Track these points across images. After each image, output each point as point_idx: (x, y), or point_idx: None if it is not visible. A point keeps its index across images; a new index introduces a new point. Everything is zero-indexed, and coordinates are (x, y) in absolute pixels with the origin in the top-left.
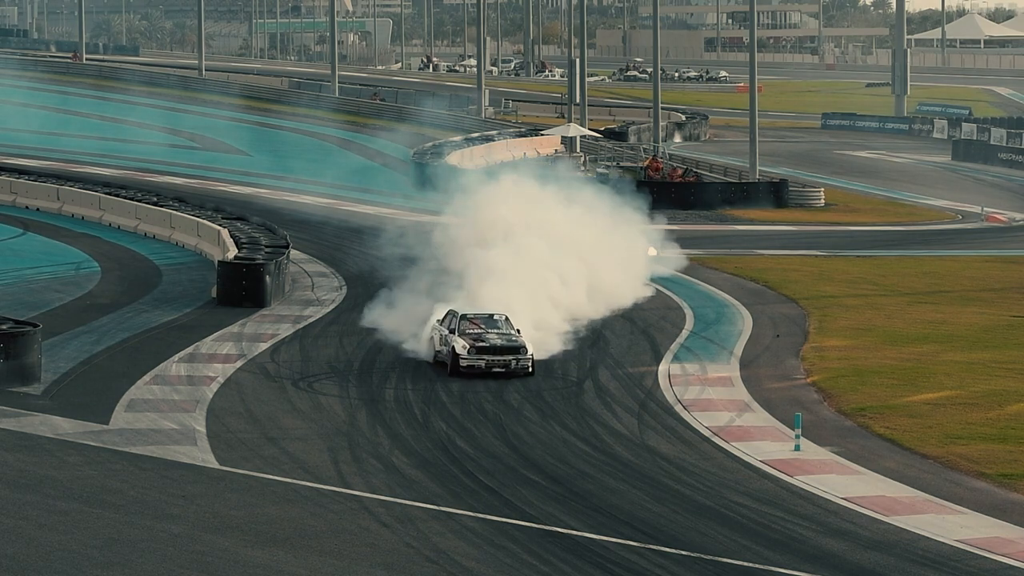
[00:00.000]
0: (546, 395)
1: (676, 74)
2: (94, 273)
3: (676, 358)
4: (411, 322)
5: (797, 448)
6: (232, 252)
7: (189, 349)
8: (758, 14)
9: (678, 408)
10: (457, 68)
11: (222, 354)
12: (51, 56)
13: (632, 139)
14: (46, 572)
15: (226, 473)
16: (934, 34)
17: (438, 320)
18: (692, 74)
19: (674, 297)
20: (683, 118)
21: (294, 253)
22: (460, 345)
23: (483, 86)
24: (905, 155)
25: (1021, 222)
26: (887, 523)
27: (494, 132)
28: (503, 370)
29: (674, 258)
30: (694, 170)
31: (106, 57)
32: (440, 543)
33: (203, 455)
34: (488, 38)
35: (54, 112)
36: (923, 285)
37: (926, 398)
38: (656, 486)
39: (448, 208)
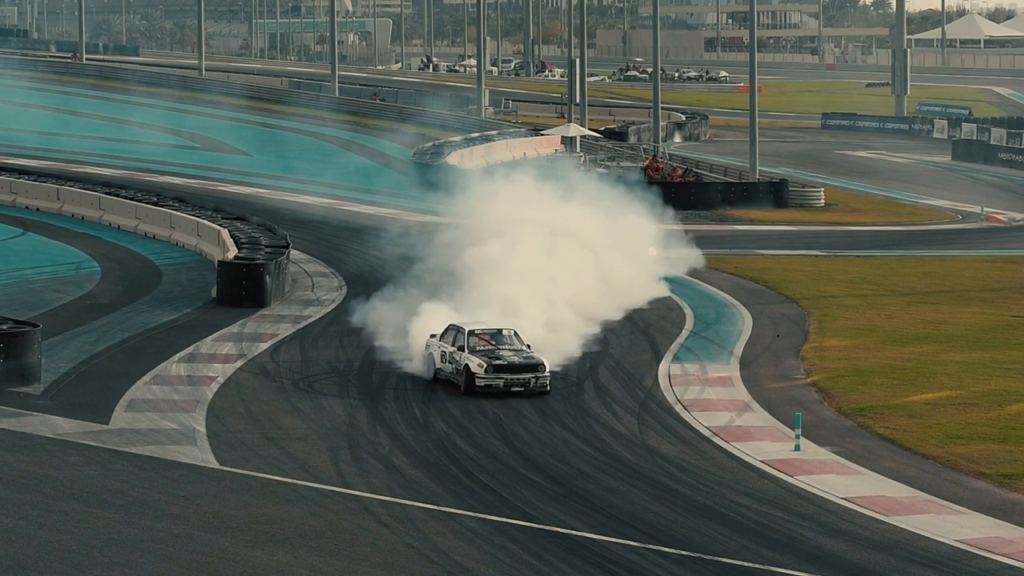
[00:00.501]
0: (546, 395)
1: (676, 74)
2: (94, 273)
3: (676, 358)
4: (398, 319)
5: (797, 448)
6: (232, 252)
7: (189, 349)
8: (758, 14)
9: (678, 408)
10: (457, 68)
11: (222, 354)
12: (51, 56)
13: (632, 139)
14: (46, 572)
15: (226, 473)
16: (934, 34)
17: (432, 335)
18: (692, 74)
19: (674, 297)
20: (683, 118)
21: (294, 253)
22: (475, 363)
23: (483, 86)
24: (905, 155)
25: (1021, 222)
26: (887, 523)
27: (494, 132)
28: (522, 389)
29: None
30: (694, 170)
31: (106, 57)
32: (440, 543)
33: (203, 455)
34: (488, 38)
35: (54, 112)
36: (923, 285)
37: (926, 398)
38: (656, 486)
39: (451, 208)
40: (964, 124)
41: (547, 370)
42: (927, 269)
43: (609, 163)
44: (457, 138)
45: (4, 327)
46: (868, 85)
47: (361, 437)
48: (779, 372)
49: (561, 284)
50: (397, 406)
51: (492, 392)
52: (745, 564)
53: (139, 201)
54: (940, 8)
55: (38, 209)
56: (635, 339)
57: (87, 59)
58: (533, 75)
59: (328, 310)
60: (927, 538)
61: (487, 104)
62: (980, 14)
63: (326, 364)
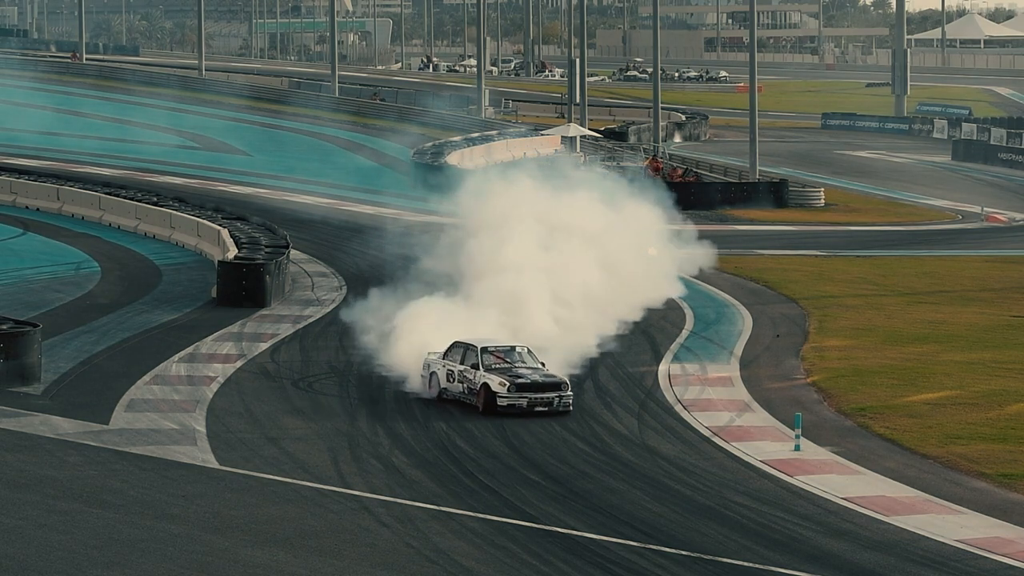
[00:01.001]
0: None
1: (676, 74)
2: (94, 273)
3: (676, 358)
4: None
5: (797, 448)
6: (232, 252)
7: (189, 349)
8: (758, 14)
9: (678, 408)
10: (457, 68)
11: (222, 354)
12: (51, 56)
13: (632, 139)
14: (46, 572)
15: (226, 473)
16: (934, 34)
17: (432, 353)
18: (692, 74)
19: (674, 297)
20: (683, 118)
21: (294, 253)
22: (496, 382)
23: (483, 86)
24: (905, 155)
25: (1021, 222)
26: (887, 523)
27: (494, 132)
28: (545, 409)
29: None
30: (694, 170)
31: (106, 57)
32: (440, 543)
33: (203, 455)
34: (488, 38)
35: (54, 112)
36: (923, 285)
37: (926, 398)
38: (656, 486)
39: (452, 208)
40: (964, 124)
41: (569, 389)
42: (927, 269)
43: (609, 163)
44: (457, 138)
45: (4, 327)
46: (868, 85)
47: (361, 437)
48: (779, 372)
49: (571, 283)
50: (397, 406)
51: (514, 412)
52: (745, 564)
53: (139, 201)
54: (940, 8)
55: (38, 209)
56: (635, 339)
57: (87, 59)
58: (533, 75)
59: (328, 310)
60: (927, 538)
61: (487, 104)
62: (980, 14)
63: (326, 364)
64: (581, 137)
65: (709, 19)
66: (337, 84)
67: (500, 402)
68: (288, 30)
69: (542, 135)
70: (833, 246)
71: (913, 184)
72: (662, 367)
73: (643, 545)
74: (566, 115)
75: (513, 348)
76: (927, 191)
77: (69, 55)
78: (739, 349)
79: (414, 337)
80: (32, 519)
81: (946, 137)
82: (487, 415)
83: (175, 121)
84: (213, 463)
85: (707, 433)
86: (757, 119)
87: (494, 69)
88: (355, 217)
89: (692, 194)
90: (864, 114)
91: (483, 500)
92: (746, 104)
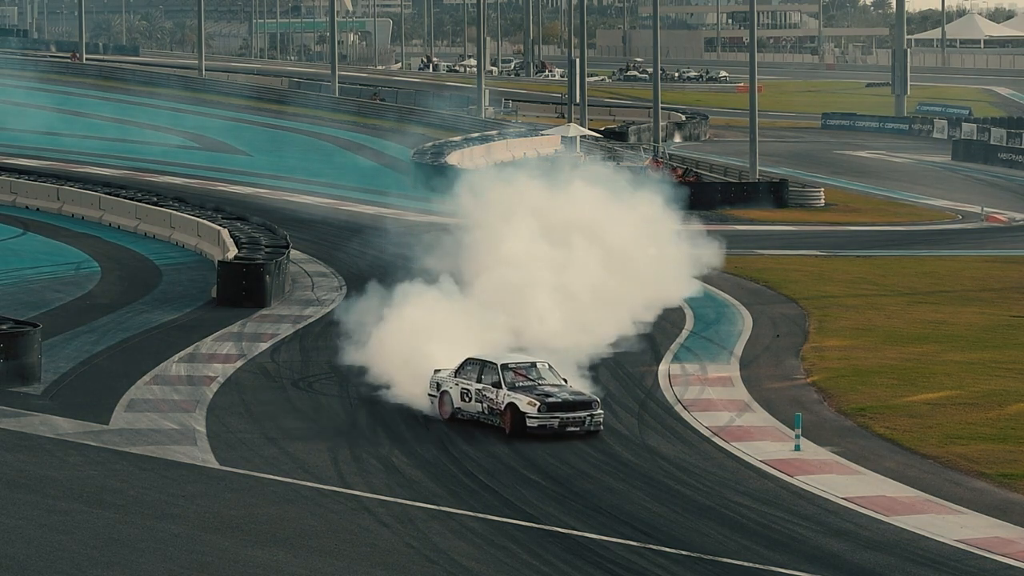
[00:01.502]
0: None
1: (676, 74)
2: (94, 273)
3: (676, 358)
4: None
5: (797, 448)
6: (232, 252)
7: (189, 349)
8: (758, 14)
9: (678, 408)
10: (457, 68)
11: (222, 354)
12: (51, 56)
13: (632, 139)
14: (46, 572)
15: (226, 473)
16: (934, 34)
17: (438, 370)
18: (692, 74)
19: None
20: (683, 118)
21: (294, 253)
22: (525, 402)
23: (483, 86)
24: (905, 155)
25: (1021, 222)
26: (887, 523)
27: (494, 132)
28: (577, 429)
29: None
30: (694, 170)
31: (106, 57)
32: (440, 543)
33: (203, 455)
34: (488, 38)
35: (54, 112)
36: (923, 285)
37: (926, 398)
38: (656, 486)
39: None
40: (964, 124)
41: (600, 407)
42: (927, 269)
43: (609, 163)
44: (457, 138)
45: (4, 327)
46: (868, 85)
47: (361, 437)
48: (779, 372)
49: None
50: (397, 406)
51: (545, 434)
52: (745, 564)
53: (139, 201)
54: (940, 8)
55: (38, 209)
56: (635, 339)
57: (87, 59)
58: (533, 75)
59: (328, 310)
60: (927, 538)
61: (487, 104)
62: (980, 14)
63: (326, 364)
64: (581, 137)
65: (709, 19)
66: (337, 84)
67: (530, 423)
68: (288, 30)
69: (542, 135)
70: (833, 246)
71: (913, 184)
72: (662, 367)
73: (643, 545)
74: (566, 115)
75: (534, 364)
76: (927, 191)
77: (69, 55)
78: (739, 349)
79: (404, 344)
80: (32, 519)
81: (946, 137)
82: (514, 437)
83: (175, 121)
84: (213, 463)
85: (707, 433)
86: (757, 119)
87: (494, 69)
88: (355, 217)
89: (692, 194)
90: (864, 114)
91: (483, 500)
92: (746, 104)
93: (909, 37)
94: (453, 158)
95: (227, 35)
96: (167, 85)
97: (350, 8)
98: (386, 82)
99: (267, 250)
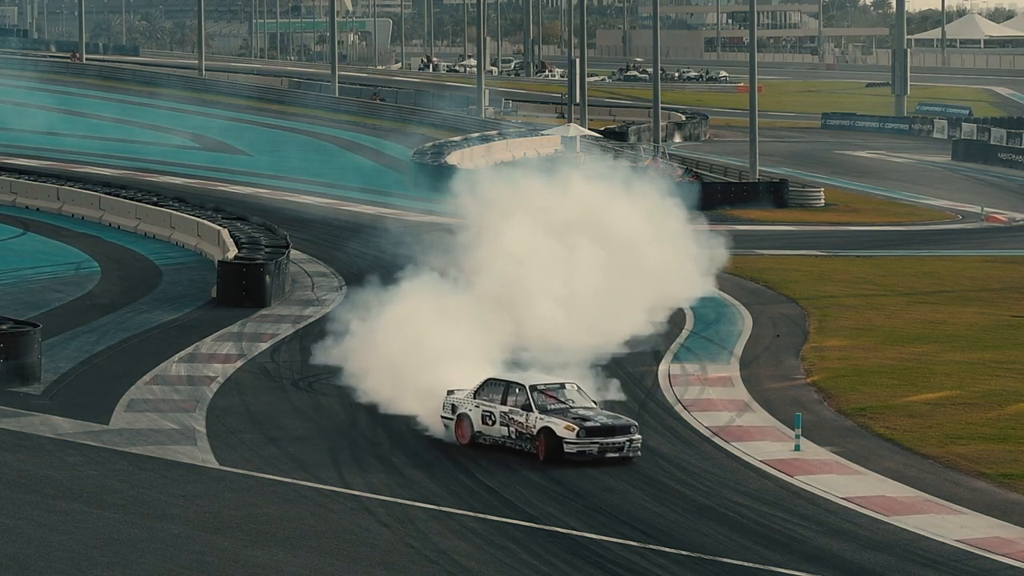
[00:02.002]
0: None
1: (676, 74)
2: (94, 273)
3: (676, 358)
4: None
5: (797, 448)
6: (232, 252)
7: (189, 349)
8: (758, 14)
9: (678, 408)
10: (457, 68)
11: (222, 354)
12: (51, 56)
13: (632, 139)
14: (46, 572)
15: (226, 473)
16: (934, 34)
17: (452, 391)
18: (692, 74)
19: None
20: (683, 118)
21: (294, 253)
22: (562, 426)
23: (483, 86)
24: (905, 155)
25: (1021, 222)
26: (887, 523)
27: (494, 132)
28: (617, 455)
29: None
30: (694, 170)
31: (106, 57)
32: (440, 543)
33: (203, 455)
34: (488, 38)
35: (54, 112)
36: (923, 285)
37: (926, 398)
38: (656, 486)
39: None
40: (964, 124)
41: (638, 431)
42: (927, 269)
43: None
44: (457, 138)
45: (4, 327)
46: (868, 85)
47: (361, 437)
48: (779, 372)
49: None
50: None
51: (583, 460)
52: (745, 564)
53: (139, 201)
54: (940, 8)
55: (38, 209)
56: (635, 339)
57: (87, 59)
58: (533, 75)
59: (328, 310)
60: (927, 538)
61: (487, 104)
62: (980, 14)
63: (326, 364)
64: (581, 137)
65: (709, 19)
66: (337, 84)
67: (568, 448)
68: (288, 30)
69: (542, 135)
70: (833, 246)
71: (913, 184)
72: (662, 367)
73: (643, 545)
74: (566, 115)
75: (563, 385)
76: (927, 191)
77: (69, 55)
78: (739, 349)
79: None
80: (32, 519)
81: (946, 137)
82: (550, 463)
83: (175, 121)
84: (213, 463)
85: (707, 433)
86: (757, 119)
87: (494, 69)
88: (355, 217)
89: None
90: (864, 114)
91: (483, 500)
92: (746, 104)
93: (909, 37)
94: (453, 158)
95: (227, 35)
96: (167, 85)
97: (350, 8)
98: (386, 82)
99: (267, 250)
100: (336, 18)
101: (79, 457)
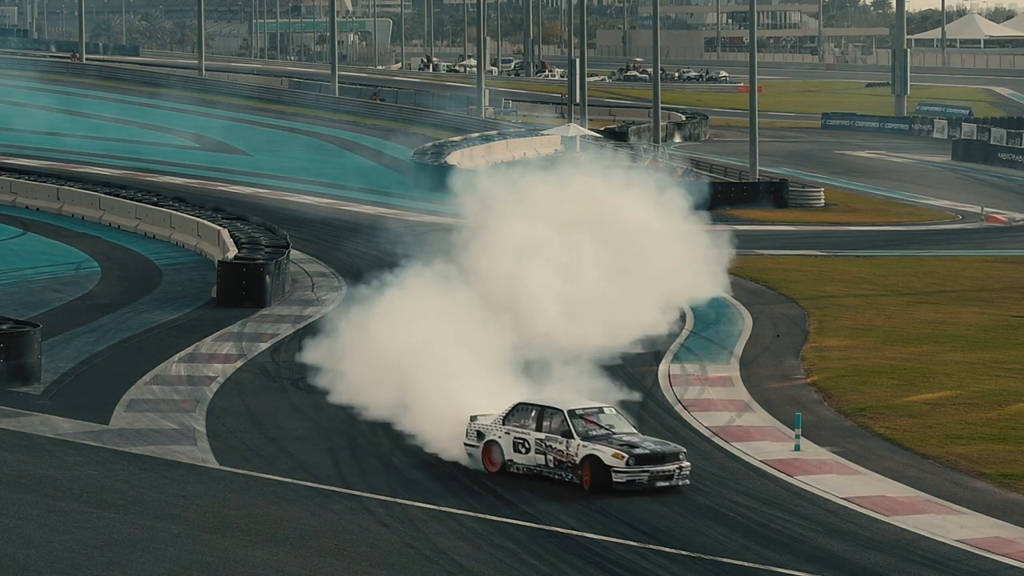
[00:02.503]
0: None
1: (676, 74)
2: (94, 273)
3: (676, 358)
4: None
5: (797, 448)
6: (232, 252)
7: (189, 349)
8: (758, 14)
9: (678, 408)
10: (457, 68)
11: (222, 354)
12: (51, 56)
13: (632, 139)
14: (46, 572)
15: (226, 473)
16: (934, 34)
17: (475, 417)
18: (692, 74)
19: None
20: (683, 118)
21: (294, 253)
22: (609, 454)
23: (483, 86)
24: (905, 155)
25: (1021, 222)
26: (887, 523)
27: (494, 132)
28: (667, 483)
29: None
30: (694, 170)
31: (106, 57)
32: (440, 543)
33: (203, 455)
34: (488, 38)
35: (54, 112)
36: (923, 285)
37: (926, 398)
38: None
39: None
40: (964, 124)
41: (687, 458)
42: (927, 269)
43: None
44: (457, 138)
45: (4, 327)
46: (868, 85)
47: (361, 437)
48: (779, 372)
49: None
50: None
51: (632, 489)
52: (745, 564)
53: (139, 201)
54: (940, 8)
55: (38, 209)
56: (636, 339)
57: (87, 59)
58: (533, 75)
59: (328, 310)
60: (927, 538)
61: (487, 104)
62: (980, 14)
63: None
64: (581, 137)
65: (709, 19)
66: (337, 84)
67: (617, 478)
68: (288, 30)
69: (542, 135)
70: (833, 246)
71: (913, 184)
72: (662, 367)
73: (643, 545)
74: (566, 115)
75: (601, 409)
76: (927, 191)
77: (69, 55)
78: (739, 349)
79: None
80: (32, 519)
81: (946, 137)
82: (595, 493)
83: (175, 121)
84: (213, 463)
85: (707, 433)
86: (757, 119)
87: (494, 69)
88: (355, 217)
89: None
90: (864, 114)
91: (483, 500)
92: (746, 104)
93: (909, 37)
94: (453, 158)
95: (227, 35)
96: (167, 85)
97: (350, 8)
98: (386, 82)
99: (267, 250)
100: (336, 18)
101: (79, 457)
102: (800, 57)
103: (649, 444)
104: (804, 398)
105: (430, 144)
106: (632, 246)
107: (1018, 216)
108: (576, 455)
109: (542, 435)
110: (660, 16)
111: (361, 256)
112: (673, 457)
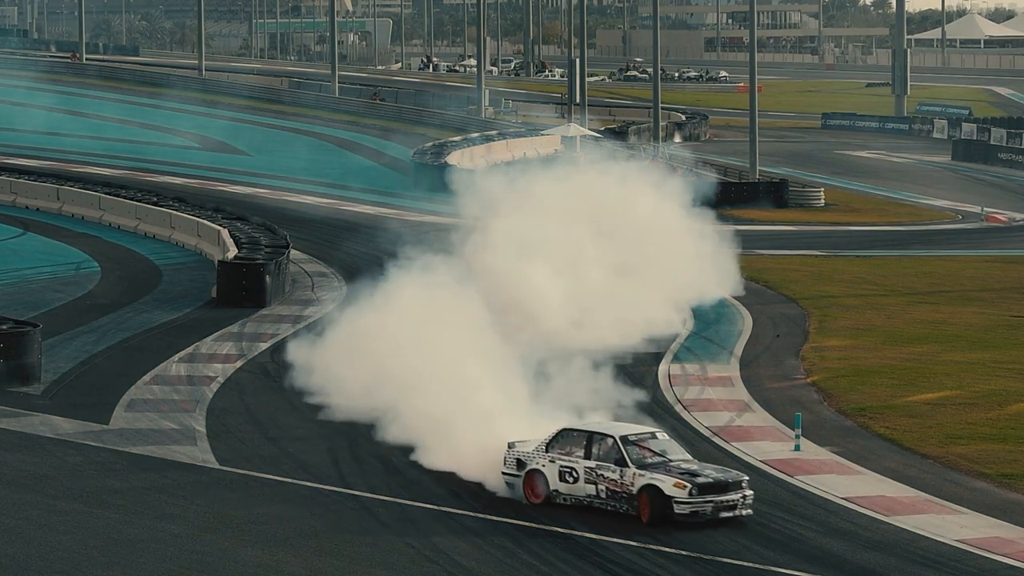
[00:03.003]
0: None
1: (676, 74)
2: (94, 273)
3: (676, 358)
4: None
5: (797, 448)
6: (232, 252)
7: (189, 349)
8: (758, 14)
9: (678, 408)
10: (457, 68)
11: (222, 354)
12: (51, 56)
13: (632, 139)
14: (46, 572)
15: (226, 473)
16: (934, 34)
17: (522, 443)
18: (692, 74)
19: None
20: (683, 118)
21: (294, 253)
22: (670, 484)
23: (483, 86)
24: (905, 155)
25: (1021, 222)
26: (887, 523)
27: (494, 132)
28: (731, 514)
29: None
30: (694, 170)
31: (106, 57)
32: (440, 543)
33: (203, 455)
34: (488, 38)
35: (54, 112)
36: (923, 285)
37: (926, 398)
38: None
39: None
40: (964, 124)
41: (748, 487)
42: (927, 269)
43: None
44: (457, 138)
45: (4, 327)
46: (868, 85)
47: (361, 437)
48: (779, 372)
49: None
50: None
51: (696, 521)
52: (745, 564)
53: (139, 201)
54: (940, 8)
55: (38, 209)
56: (636, 339)
57: (87, 59)
58: (533, 75)
59: (328, 310)
60: (927, 538)
61: (487, 104)
62: (980, 14)
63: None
64: (581, 137)
65: (709, 19)
66: (337, 84)
67: (679, 509)
68: (288, 30)
69: (542, 135)
70: (833, 246)
71: (913, 184)
72: (662, 367)
73: (643, 545)
74: (566, 115)
75: (653, 435)
76: (927, 191)
77: (69, 55)
78: (739, 349)
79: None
80: (32, 519)
81: (946, 137)
82: (652, 525)
83: (175, 121)
84: (213, 463)
85: (707, 433)
86: (757, 119)
87: (494, 69)
88: (355, 217)
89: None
90: (864, 114)
91: (483, 500)
92: (746, 104)
93: (909, 37)
94: (453, 158)
95: (227, 35)
96: (167, 85)
97: (350, 8)
98: (386, 82)
99: (267, 250)
100: (336, 18)
101: (79, 457)
102: (800, 57)
103: (710, 472)
104: (804, 398)
105: (430, 144)
106: (646, 244)
107: (1018, 216)
108: (632, 485)
109: (592, 464)
110: (660, 16)
111: (361, 256)
112: (736, 486)
